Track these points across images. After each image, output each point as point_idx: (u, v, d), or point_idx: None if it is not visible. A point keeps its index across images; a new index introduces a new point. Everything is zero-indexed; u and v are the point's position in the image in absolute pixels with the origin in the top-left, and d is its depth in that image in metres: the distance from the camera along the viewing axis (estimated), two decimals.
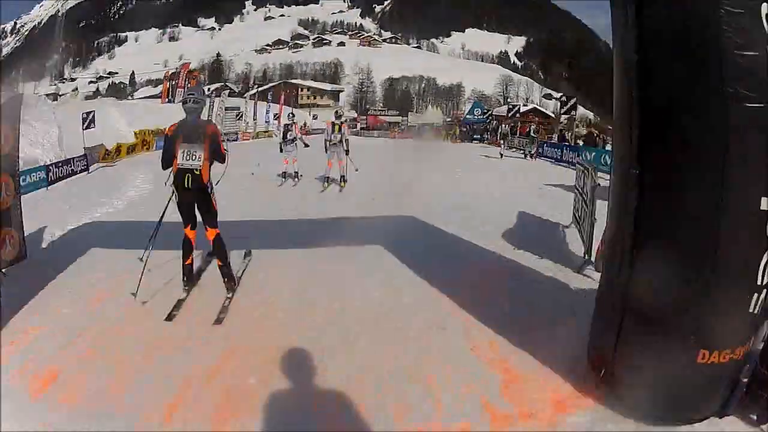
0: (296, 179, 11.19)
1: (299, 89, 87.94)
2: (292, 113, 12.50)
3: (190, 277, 4.45)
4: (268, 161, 13.80)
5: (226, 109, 35.54)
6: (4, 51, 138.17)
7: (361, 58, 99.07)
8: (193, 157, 4.18)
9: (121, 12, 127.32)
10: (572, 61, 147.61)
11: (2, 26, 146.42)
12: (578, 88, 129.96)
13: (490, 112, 47.80)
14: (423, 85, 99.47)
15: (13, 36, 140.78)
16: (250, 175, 11.79)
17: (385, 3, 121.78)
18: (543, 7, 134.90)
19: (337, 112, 11.22)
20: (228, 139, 26.23)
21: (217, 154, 4.19)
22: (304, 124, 43.19)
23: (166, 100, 39.58)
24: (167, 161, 4.23)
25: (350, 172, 10.49)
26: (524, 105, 60.72)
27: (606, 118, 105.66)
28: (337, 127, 10.34)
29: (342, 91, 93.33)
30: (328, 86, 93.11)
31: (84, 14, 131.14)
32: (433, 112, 55.61)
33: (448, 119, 56.54)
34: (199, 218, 4.36)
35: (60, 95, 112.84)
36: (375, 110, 48.95)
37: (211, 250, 4.59)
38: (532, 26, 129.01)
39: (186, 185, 4.15)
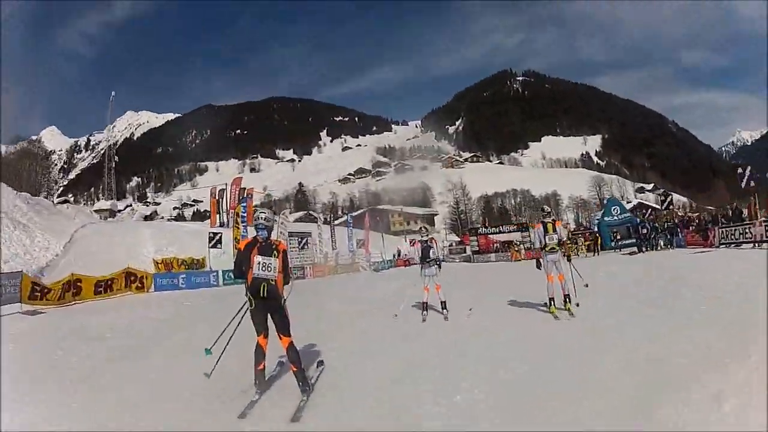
0: (444, 311, 8.80)
1: (390, 215, 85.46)
2: (425, 227, 10.50)
3: (262, 382, 4.67)
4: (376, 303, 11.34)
5: (289, 234, 29.36)
6: (79, 166, 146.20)
7: (450, 179, 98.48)
8: (269, 268, 4.60)
9: (198, 141, 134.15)
10: (650, 149, 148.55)
11: (77, 140, 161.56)
12: (663, 174, 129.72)
13: (647, 212, 43.84)
14: (518, 198, 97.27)
15: (89, 152, 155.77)
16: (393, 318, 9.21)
17: (457, 123, 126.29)
18: (609, 100, 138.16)
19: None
20: (292, 276, 19.01)
21: (285, 272, 4.67)
22: (398, 252, 42.13)
23: (217, 224, 36.64)
24: (240, 272, 4.68)
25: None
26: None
27: (697, 197, 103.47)
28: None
29: (436, 214, 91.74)
30: (419, 210, 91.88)
31: (158, 141, 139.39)
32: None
33: (574, 229, 49.36)
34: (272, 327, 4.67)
35: (117, 211, 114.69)
36: (486, 228, 42.62)
37: (284, 357, 4.84)
38: (603, 122, 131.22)
39: (262, 294, 4.51)
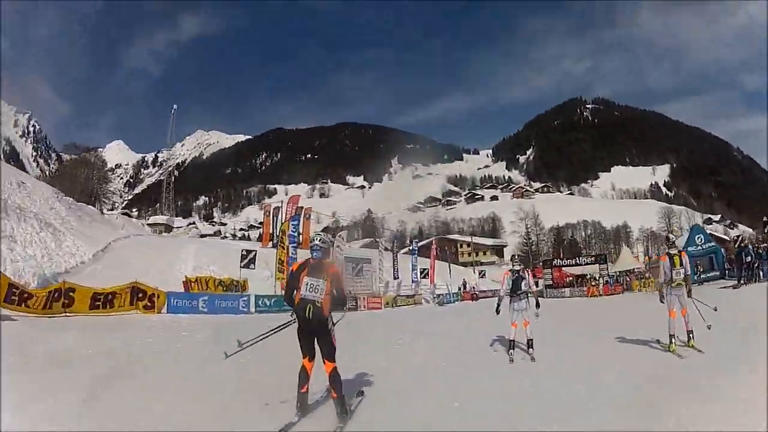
0: (530, 350, 8.16)
1: (458, 245, 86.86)
2: (516, 255, 10.32)
3: (304, 405, 4.73)
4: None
5: (345, 259, 27.38)
6: (146, 181, 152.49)
7: (520, 209, 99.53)
8: (316, 290, 4.65)
9: (267, 164, 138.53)
10: (717, 178, 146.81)
11: (144, 156, 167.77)
12: (729, 204, 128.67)
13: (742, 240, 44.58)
14: (589, 230, 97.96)
15: (156, 168, 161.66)
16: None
17: (528, 153, 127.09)
18: (676, 128, 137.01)
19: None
20: (348, 298, 17.28)
21: (338, 292, 4.77)
22: (464, 284, 40.45)
23: (269, 243, 33.36)
24: (289, 295, 4.80)
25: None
26: None
27: (758, 228, 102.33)
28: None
29: (506, 245, 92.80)
30: (489, 240, 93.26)
31: (227, 161, 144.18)
32: (628, 254, 45.09)
33: (652, 262, 47.63)
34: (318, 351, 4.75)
35: (174, 227, 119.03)
36: (561, 260, 40.50)
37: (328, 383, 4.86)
38: (671, 151, 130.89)
39: (307, 315, 4.58)
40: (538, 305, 8.25)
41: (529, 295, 8.36)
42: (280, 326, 5.16)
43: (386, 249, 36.70)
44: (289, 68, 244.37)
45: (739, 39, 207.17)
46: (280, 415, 4.63)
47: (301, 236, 28.58)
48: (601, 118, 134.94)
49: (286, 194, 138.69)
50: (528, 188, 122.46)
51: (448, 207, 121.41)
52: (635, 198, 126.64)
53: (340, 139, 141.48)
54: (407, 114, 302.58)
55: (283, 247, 21.96)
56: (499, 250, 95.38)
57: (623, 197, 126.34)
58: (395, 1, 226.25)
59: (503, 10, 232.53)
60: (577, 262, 38.90)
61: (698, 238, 32.89)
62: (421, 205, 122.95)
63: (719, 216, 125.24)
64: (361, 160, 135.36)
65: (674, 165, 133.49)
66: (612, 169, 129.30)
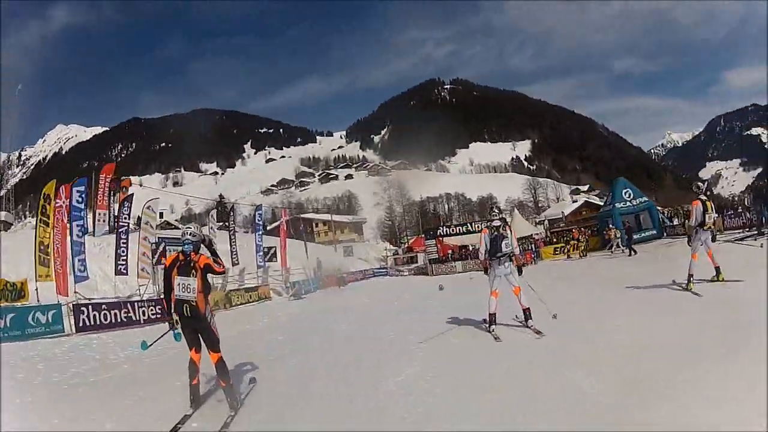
0: (529, 323, 7.09)
1: (314, 224, 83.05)
2: (496, 208, 8.61)
3: (197, 397, 4.98)
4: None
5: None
6: (11, 181, 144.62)
7: (385, 181, 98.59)
8: (188, 289, 4.88)
9: (123, 155, 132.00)
10: (582, 153, 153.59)
11: (8, 155, 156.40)
12: (597, 176, 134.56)
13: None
14: (452, 202, 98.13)
15: (19, 168, 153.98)
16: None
17: (382, 132, 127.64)
18: (538, 106, 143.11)
19: (492, 209, 8.12)
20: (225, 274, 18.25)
21: (212, 276, 5.17)
22: (318, 264, 31.28)
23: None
24: (167, 297, 5.03)
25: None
26: None
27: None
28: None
29: (365, 221, 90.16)
30: (347, 217, 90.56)
31: (84, 155, 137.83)
32: (521, 220, 40.55)
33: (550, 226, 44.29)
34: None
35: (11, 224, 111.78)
36: (447, 229, 34.63)
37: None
38: (532, 128, 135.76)
39: (186, 314, 4.89)
40: (520, 272, 7.21)
41: (511, 257, 7.23)
42: (160, 336, 5.39)
43: (223, 228, 29.74)
44: (146, 56, 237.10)
45: (612, 25, 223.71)
46: (173, 408, 4.97)
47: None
48: (458, 98, 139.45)
49: (141, 185, 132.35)
50: (384, 166, 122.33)
51: (302, 188, 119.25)
52: (496, 172, 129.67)
53: (195, 127, 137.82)
54: (264, 99, 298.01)
55: (47, 225, 14.23)
56: (358, 227, 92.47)
57: (483, 172, 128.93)
58: None
59: None
60: (470, 229, 32.55)
61: (625, 192, 28.56)
62: (274, 188, 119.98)
63: (587, 186, 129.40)
64: (214, 146, 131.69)
65: (536, 141, 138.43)
66: (470, 146, 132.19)
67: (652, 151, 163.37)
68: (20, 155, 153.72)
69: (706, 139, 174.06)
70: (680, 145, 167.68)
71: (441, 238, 32.56)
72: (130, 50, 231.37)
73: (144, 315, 14.16)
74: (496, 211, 7.86)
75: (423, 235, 38.33)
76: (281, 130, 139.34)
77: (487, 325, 7.27)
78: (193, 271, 4.84)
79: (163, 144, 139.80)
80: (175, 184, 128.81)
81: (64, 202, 15.08)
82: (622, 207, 27.84)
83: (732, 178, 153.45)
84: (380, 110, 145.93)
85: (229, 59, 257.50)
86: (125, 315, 13.58)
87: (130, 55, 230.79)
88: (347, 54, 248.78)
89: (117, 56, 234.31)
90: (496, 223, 7.27)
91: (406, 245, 58.46)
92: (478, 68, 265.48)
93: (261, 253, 24.31)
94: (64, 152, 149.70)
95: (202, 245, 5.14)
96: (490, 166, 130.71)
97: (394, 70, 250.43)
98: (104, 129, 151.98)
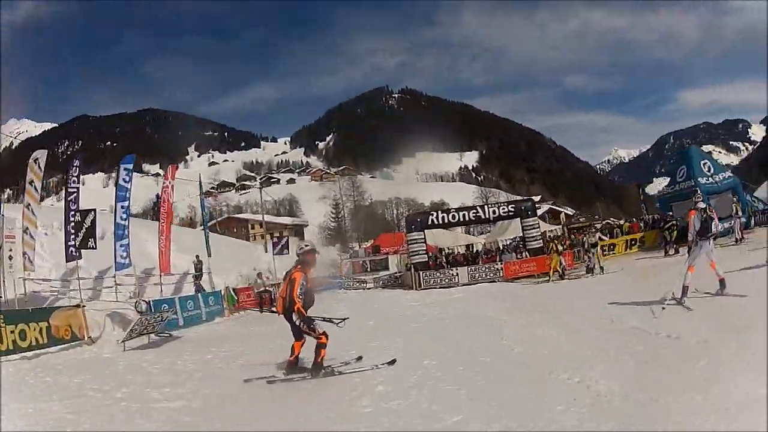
0: (724, 290, 8.31)
1: (250, 225, 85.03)
2: (698, 195, 10.36)
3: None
4: None
5: None
6: None
7: (323, 189, 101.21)
8: None
9: (69, 152, 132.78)
10: (529, 164, 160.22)
11: None
12: (545, 185, 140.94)
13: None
14: (402, 207, 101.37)
15: None
16: None
17: (327, 138, 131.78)
18: (486, 118, 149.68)
19: (696, 193, 9.99)
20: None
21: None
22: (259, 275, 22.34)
23: None
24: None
25: None
26: None
27: (581, 210, 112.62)
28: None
29: (306, 225, 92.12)
30: (287, 219, 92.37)
31: (32, 152, 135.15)
32: (504, 226, 30.09)
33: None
34: None
35: None
36: (444, 217, 25.62)
37: None
38: (480, 139, 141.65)
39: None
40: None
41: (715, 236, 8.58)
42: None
43: None
44: (99, 52, 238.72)
45: (568, 43, 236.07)
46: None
47: None
48: (407, 107, 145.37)
49: (83, 184, 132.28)
50: (328, 171, 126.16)
51: (243, 192, 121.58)
52: (442, 181, 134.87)
53: (141, 126, 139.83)
54: (212, 103, 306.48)
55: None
56: (298, 230, 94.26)
57: (428, 181, 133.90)
58: None
59: (321, 4, 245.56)
60: (480, 215, 25.26)
61: (704, 164, 22.81)
62: (214, 191, 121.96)
63: (539, 197, 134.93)
64: (159, 147, 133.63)
65: (483, 152, 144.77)
66: (416, 154, 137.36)
67: (597, 166, 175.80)
68: None
69: (654, 155, 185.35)
70: (627, 161, 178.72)
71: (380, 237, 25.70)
72: (83, 46, 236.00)
73: None
74: (700, 195, 9.46)
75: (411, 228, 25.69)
76: (226, 134, 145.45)
77: (680, 298, 8.19)
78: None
79: (109, 143, 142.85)
80: (117, 184, 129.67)
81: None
82: (706, 183, 21.72)
83: None
84: (326, 117, 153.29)
85: (181, 59, 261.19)
86: None
87: (83, 51, 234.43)
88: (298, 60, 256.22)
89: (69, 52, 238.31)
90: (701, 205, 8.37)
91: (370, 244, 48.48)
92: (428, 79, 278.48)
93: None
94: (14, 147, 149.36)
95: None
96: (437, 176, 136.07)
97: (344, 77, 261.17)
98: (53, 125, 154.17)
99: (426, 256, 23.61)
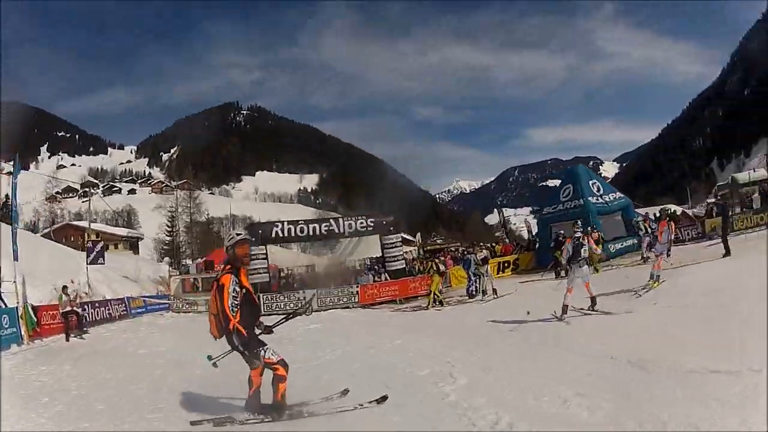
0: (596, 308, 9.77)
1: (86, 234, 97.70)
2: (578, 221, 11.36)
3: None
4: None
5: None
6: None
7: (160, 203, 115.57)
8: None
9: None
10: (368, 191, 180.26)
11: None
12: (390, 213, 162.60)
13: None
14: (238, 225, 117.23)
15: None
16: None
17: (172, 150, 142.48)
18: (329, 142, 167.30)
19: (577, 223, 10.73)
20: None
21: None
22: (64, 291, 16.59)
23: None
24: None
25: None
26: None
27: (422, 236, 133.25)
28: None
29: (141, 238, 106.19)
30: (122, 231, 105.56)
31: None
32: (353, 244, 30.24)
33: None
34: None
35: None
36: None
37: None
38: (322, 162, 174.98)
39: None
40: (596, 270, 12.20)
41: (587, 261, 10.18)
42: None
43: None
44: None
45: (425, 74, 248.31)
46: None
47: None
48: (252, 125, 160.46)
49: None
50: (168, 185, 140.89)
51: (84, 199, 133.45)
52: (281, 202, 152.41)
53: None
54: (71, 102, 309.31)
55: None
56: (133, 243, 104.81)
57: (267, 201, 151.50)
58: None
59: (185, 10, 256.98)
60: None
61: (593, 184, 22.69)
62: (58, 195, 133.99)
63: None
64: (15, 145, 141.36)
65: (324, 175, 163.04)
66: (257, 173, 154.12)
67: (438, 195, 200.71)
68: None
69: (497, 188, 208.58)
70: (467, 191, 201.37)
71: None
72: None
73: None
74: (579, 224, 10.50)
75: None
76: (77, 136, 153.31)
77: (560, 315, 9.48)
78: None
79: None
80: None
81: None
82: (597, 203, 21.78)
83: (520, 224, 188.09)
84: (173, 127, 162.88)
85: (49, 53, 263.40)
86: None
87: None
88: (155, 65, 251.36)
89: None
90: (578, 234, 10.01)
91: (202, 260, 42.48)
92: (279, 98, 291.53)
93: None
94: None
95: None
96: (275, 196, 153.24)
97: (197, 89, 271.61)
98: None
99: (268, 275, 21.78)
